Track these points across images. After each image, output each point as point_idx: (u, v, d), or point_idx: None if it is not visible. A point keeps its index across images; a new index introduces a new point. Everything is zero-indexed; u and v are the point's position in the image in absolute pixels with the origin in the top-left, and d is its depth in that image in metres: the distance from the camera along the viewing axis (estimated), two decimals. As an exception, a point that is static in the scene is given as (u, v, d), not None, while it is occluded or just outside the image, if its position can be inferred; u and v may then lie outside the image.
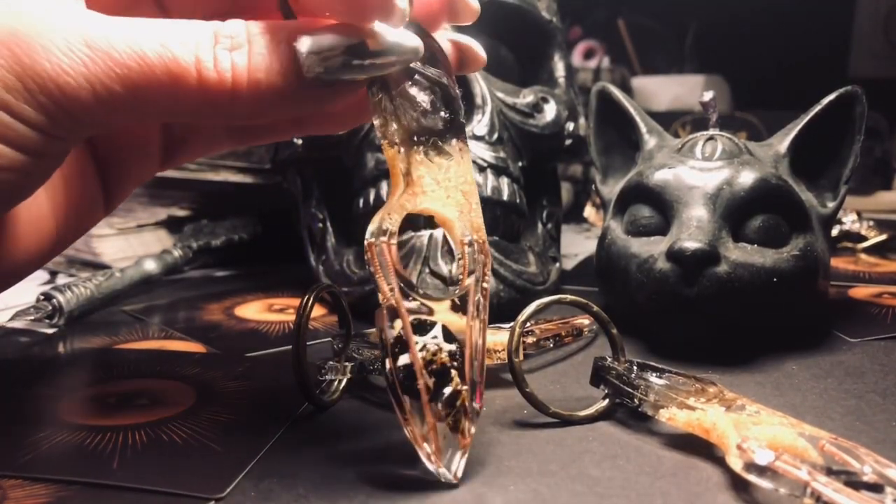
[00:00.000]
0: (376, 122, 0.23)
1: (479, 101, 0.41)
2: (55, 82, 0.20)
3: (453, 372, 0.22)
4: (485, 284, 0.23)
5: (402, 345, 0.22)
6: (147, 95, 0.20)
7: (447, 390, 0.22)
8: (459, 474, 0.22)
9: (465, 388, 0.22)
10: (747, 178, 0.33)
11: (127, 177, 0.28)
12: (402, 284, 0.22)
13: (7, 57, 0.19)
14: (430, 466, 0.22)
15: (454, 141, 0.23)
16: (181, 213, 0.54)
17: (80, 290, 0.40)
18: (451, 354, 0.22)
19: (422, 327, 0.22)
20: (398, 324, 0.22)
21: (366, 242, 0.22)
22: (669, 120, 0.77)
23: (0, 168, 0.20)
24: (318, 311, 0.41)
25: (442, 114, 0.23)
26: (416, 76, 0.23)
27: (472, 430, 0.22)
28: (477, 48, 0.26)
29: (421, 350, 0.22)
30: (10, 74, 0.19)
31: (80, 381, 0.32)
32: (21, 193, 0.22)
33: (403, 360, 0.22)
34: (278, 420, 0.27)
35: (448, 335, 0.22)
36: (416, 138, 0.22)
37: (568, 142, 0.46)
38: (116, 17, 0.21)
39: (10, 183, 0.21)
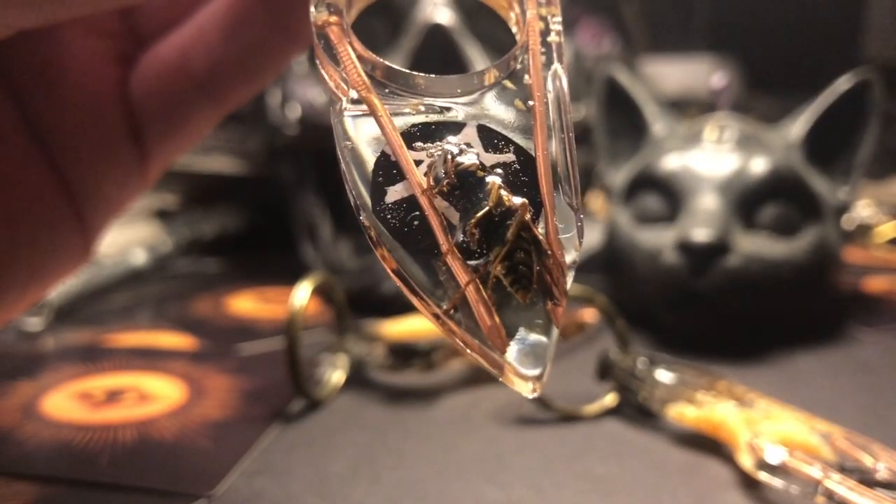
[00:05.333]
0: None
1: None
2: None
3: (493, 183, 0.12)
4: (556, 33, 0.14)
5: (386, 168, 0.12)
6: None
7: (480, 213, 0.11)
8: (544, 374, 0.11)
9: (525, 207, 0.11)
10: (759, 165, 0.33)
11: (106, 202, 0.22)
12: (373, 73, 0.13)
13: None
14: (490, 369, 0.12)
15: None
16: (173, 204, 0.54)
17: (69, 284, 0.39)
18: (497, 165, 0.12)
19: (432, 132, 0.12)
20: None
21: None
22: (678, 105, 0.76)
23: None
24: (312, 303, 0.40)
25: None
26: None
27: (564, 291, 0.12)
28: None
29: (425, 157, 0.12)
30: None
31: (67, 377, 0.31)
32: None
33: (396, 192, 0.12)
34: (271, 416, 0.27)
35: (491, 142, 0.12)
36: None
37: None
38: None
39: None
